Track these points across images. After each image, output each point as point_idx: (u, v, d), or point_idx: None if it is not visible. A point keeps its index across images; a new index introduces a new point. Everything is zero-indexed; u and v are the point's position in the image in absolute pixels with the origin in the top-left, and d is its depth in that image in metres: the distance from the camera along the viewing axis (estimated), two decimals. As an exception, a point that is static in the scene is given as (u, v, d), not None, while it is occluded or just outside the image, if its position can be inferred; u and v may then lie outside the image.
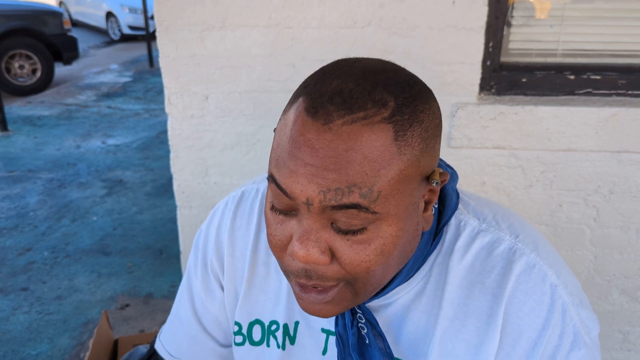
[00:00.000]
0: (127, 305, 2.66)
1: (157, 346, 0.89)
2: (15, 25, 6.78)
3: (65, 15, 7.46)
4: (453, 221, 0.68)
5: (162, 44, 1.68)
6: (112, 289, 2.81)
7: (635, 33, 1.69)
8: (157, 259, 3.11)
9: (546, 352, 0.62)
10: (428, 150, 0.56)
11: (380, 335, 0.66)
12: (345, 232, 0.55)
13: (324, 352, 0.74)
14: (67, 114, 6.25)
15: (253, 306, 0.78)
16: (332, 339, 0.73)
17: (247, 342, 0.79)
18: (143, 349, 1.81)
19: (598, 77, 1.66)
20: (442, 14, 1.57)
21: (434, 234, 0.67)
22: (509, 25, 1.67)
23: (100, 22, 12.88)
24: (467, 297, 0.65)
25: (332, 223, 0.55)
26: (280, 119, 0.58)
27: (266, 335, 0.77)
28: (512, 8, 1.65)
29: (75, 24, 13.73)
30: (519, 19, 1.68)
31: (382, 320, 0.69)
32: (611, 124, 1.60)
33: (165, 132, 5.47)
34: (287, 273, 0.61)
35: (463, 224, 0.68)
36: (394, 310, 0.69)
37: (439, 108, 0.60)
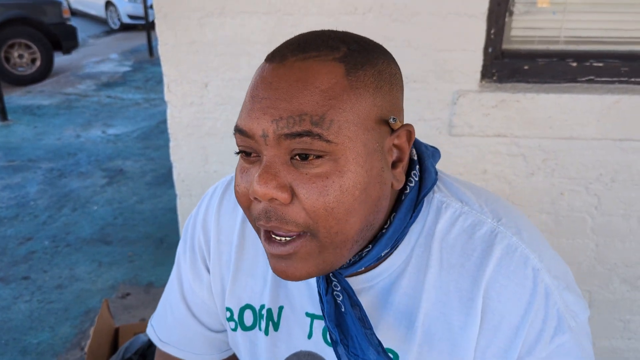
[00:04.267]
0: (128, 294, 2.67)
1: (149, 331, 0.89)
2: (14, 15, 6.75)
3: (65, 5, 7.41)
4: (435, 202, 0.67)
5: (161, 31, 1.67)
6: (113, 277, 2.81)
7: (639, 20, 1.67)
8: (157, 248, 3.11)
9: (529, 337, 0.61)
10: (382, 91, 0.58)
11: (357, 304, 0.65)
12: (304, 166, 0.55)
13: (309, 336, 0.73)
14: (67, 104, 6.23)
15: (243, 291, 0.78)
16: (317, 323, 0.72)
17: (239, 328, 0.79)
18: (144, 337, 1.82)
19: (600, 65, 1.65)
20: (444, 0, 1.55)
21: (414, 205, 0.65)
22: (511, 12, 1.65)
23: (100, 11, 12.80)
24: (448, 279, 0.64)
25: (291, 159, 0.56)
26: None
27: (257, 319, 0.77)
28: (514, -6, 1.64)
29: (75, 13, 13.65)
30: (521, 6, 1.66)
31: (364, 303, 0.68)
32: (613, 112, 1.59)
33: (165, 121, 5.44)
34: (253, 222, 0.61)
35: (445, 205, 0.67)
36: (376, 293, 0.68)
37: (397, 66, 0.63)
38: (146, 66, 8.41)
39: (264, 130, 0.55)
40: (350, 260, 0.64)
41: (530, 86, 1.65)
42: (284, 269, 0.60)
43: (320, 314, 0.71)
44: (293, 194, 0.55)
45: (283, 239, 0.58)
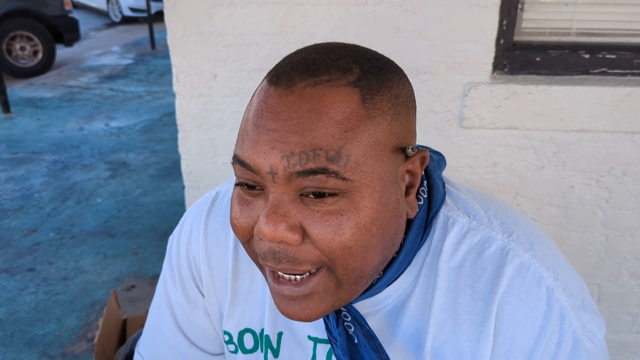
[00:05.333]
0: (133, 287, 2.67)
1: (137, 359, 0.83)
2: (16, 7, 6.72)
3: (66, -3, 7.39)
4: (441, 217, 0.63)
5: (170, 21, 1.65)
6: (118, 270, 2.81)
7: (652, 11, 1.66)
8: (162, 241, 3.11)
9: None
10: (400, 117, 0.54)
11: (371, 334, 0.61)
12: (315, 203, 0.50)
13: (313, 359, 0.69)
14: (69, 96, 6.22)
15: (242, 315, 0.73)
16: (321, 347, 0.68)
17: (239, 351, 0.74)
18: (151, 329, 1.81)
19: (613, 57, 1.63)
20: (456, -10, 1.54)
21: (424, 227, 0.62)
22: (523, 3, 1.63)
23: (101, 4, 12.76)
24: (456, 302, 0.60)
25: (301, 195, 0.51)
26: (248, 106, 0.56)
27: (259, 342, 0.73)
28: (526, -14, 1.62)
29: (76, 5, 13.61)
30: (532, -4, 1.65)
31: (371, 327, 0.64)
32: (626, 104, 1.58)
33: (168, 114, 5.44)
34: (257, 259, 0.56)
35: (451, 221, 0.62)
36: (382, 317, 0.64)
37: (410, 84, 0.58)
38: (148, 59, 8.39)
39: (272, 167, 0.49)
40: None
41: (542, 78, 1.64)
42: (298, 311, 0.55)
43: (324, 337, 0.68)
44: (304, 234, 0.51)
45: (297, 277, 0.54)
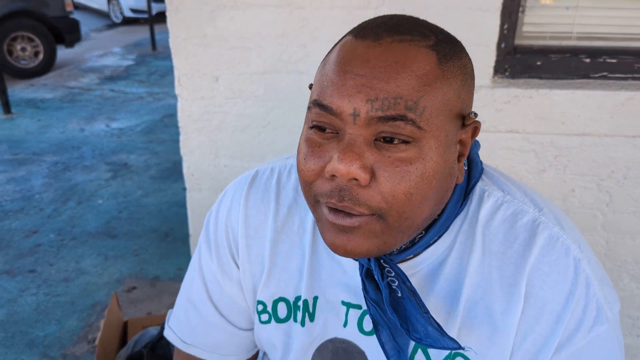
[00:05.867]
0: (134, 288, 2.67)
1: (167, 334, 0.86)
2: (17, 7, 6.73)
3: (67, -2, 7.40)
4: (477, 191, 0.68)
5: (172, 24, 1.66)
6: (119, 271, 2.81)
7: (653, 16, 1.66)
8: (163, 242, 3.11)
9: (569, 325, 0.62)
10: (466, 86, 0.59)
11: (413, 290, 0.64)
12: (388, 149, 0.54)
13: (345, 324, 0.73)
14: (70, 97, 6.22)
15: (277, 285, 0.76)
16: (353, 312, 0.72)
17: (273, 320, 0.77)
18: (153, 330, 1.82)
19: (614, 61, 1.64)
20: (458, -6, 1.54)
21: (463, 196, 0.67)
22: (524, 7, 1.64)
23: (102, 5, 12.78)
24: (490, 266, 0.65)
25: (375, 139, 0.55)
26: (321, 63, 0.61)
27: (292, 310, 0.76)
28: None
29: (77, 6, 13.62)
30: (534, 1, 1.65)
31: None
32: (627, 108, 1.59)
33: (169, 115, 5.45)
34: (317, 199, 0.60)
35: (487, 194, 0.68)
36: (418, 280, 0.69)
37: (472, 61, 0.63)
38: (149, 60, 8.40)
39: (355, 109, 0.53)
40: (401, 246, 0.65)
41: (542, 82, 1.65)
42: (344, 242, 0.58)
43: (356, 302, 0.71)
44: (372, 176, 0.55)
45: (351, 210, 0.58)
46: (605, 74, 1.65)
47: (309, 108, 0.59)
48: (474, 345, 0.66)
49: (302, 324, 0.75)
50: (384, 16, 0.60)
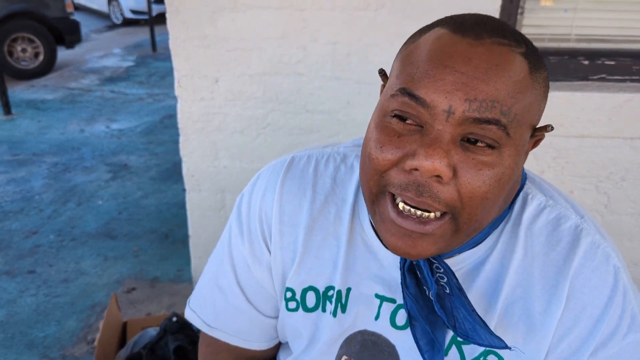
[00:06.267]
0: (133, 289, 2.67)
1: (190, 316, 0.85)
2: (17, 9, 6.73)
3: (68, -1, 7.40)
4: (521, 194, 0.70)
5: (173, 25, 1.67)
6: (119, 272, 2.81)
7: (651, 18, 1.67)
8: (162, 243, 3.11)
9: (606, 331, 0.63)
10: (545, 98, 0.60)
11: (460, 288, 0.64)
12: (473, 150, 0.54)
13: (377, 317, 0.73)
14: (71, 98, 6.23)
15: (308, 273, 0.75)
16: (386, 305, 0.72)
17: (300, 309, 0.77)
18: (152, 331, 1.82)
19: (612, 63, 1.65)
20: (457, -4, 1.55)
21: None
22: (522, 9, 1.65)
23: (103, 6, 12.78)
24: (531, 266, 0.66)
25: (461, 139, 0.55)
26: (403, 51, 0.60)
27: (321, 300, 0.76)
28: None
29: (78, 7, 13.63)
30: (532, 3, 1.66)
31: None
32: (625, 110, 1.59)
33: (169, 117, 5.45)
34: (385, 189, 0.59)
35: (530, 197, 0.69)
36: (459, 277, 0.69)
37: None
38: (149, 61, 8.40)
39: (451, 106, 0.53)
40: None
41: (541, 84, 1.65)
42: (410, 246, 0.58)
43: (390, 296, 0.71)
44: (454, 174, 0.55)
45: (424, 214, 0.57)
46: (603, 75, 1.65)
47: (391, 95, 0.57)
48: (509, 344, 0.66)
49: (334, 314, 0.74)
50: (472, 14, 0.59)
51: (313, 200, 0.75)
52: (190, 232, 2.00)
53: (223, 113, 1.76)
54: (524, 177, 0.69)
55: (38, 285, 2.69)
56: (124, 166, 4.25)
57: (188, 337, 1.70)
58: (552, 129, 0.59)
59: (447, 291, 0.64)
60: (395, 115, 0.57)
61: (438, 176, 0.54)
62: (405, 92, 0.55)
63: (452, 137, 0.54)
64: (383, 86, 0.66)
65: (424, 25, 1.69)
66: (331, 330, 0.74)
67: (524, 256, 0.66)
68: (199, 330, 1.84)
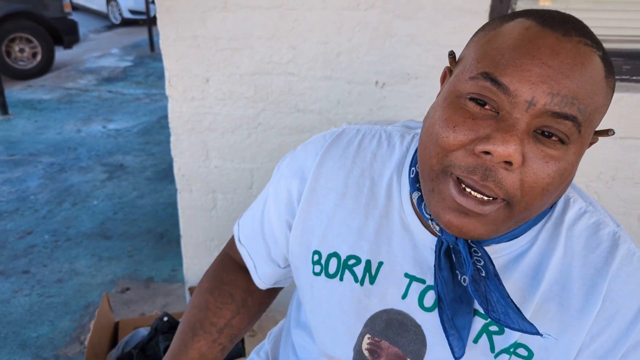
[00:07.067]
0: (127, 289, 2.67)
1: (235, 227, 0.97)
2: (15, 9, 6.72)
3: (66, -1, 7.40)
4: (563, 196, 0.71)
5: (163, 25, 1.67)
6: (113, 272, 2.81)
7: (642, 18, 1.67)
8: (157, 243, 3.11)
9: (638, 334, 0.65)
10: (609, 104, 0.61)
11: (495, 273, 0.66)
12: (544, 142, 0.56)
13: (404, 296, 0.73)
14: (68, 98, 6.23)
15: (335, 239, 0.78)
16: (415, 285, 0.73)
17: (323, 273, 0.79)
18: (143, 331, 1.82)
19: (603, 62, 1.65)
20: (447, -4, 1.55)
21: None
22: (512, 9, 1.65)
23: (101, 6, 12.78)
24: (570, 265, 0.68)
25: (534, 131, 0.56)
26: (482, 35, 0.61)
27: (341, 268, 0.77)
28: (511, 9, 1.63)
29: (76, 7, 13.63)
30: (522, 3, 1.66)
31: None
32: (615, 110, 1.59)
33: (166, 117, 5.45)
34: (447, 170, 0.60)
35: (572, 200, 0.71)
36: (496, 266, 0.70)
37: None
38: (147, 61, 8.41)
39: (534, 97, 0.54)
40: None
41: (532, 83, 1.65)
42: (463, 225, 0.60)
43: (421, 277, 0.73)
44: (522, 163, 0.56)
45: (483, 197, 0.58)
46: (594, 75, 1.65)
47: (471, 78, 0.58)
48: (541, 340, 0.68)
49: (362, 283, 0.76)
50: (556, 11, 0.60)
51: (350, 170, 0.78)
52: (182, 232, 2.00)
53: (214, 113, 1.76)
54: None
55: (32, 285, 2.69)
56: (120, 166, 4.25)
57: (179, 337, 1.70)
58: (614, 133, 0.61)
59: (483, 274, 0.65)
60: (472, 99, 0.58)
61: (507, 162, 0.55)
62: (488, 76, 0.56)
63: (528, 127, 0.55)
64: (449, 70, 0.68)
65: (413, 25, 1.69)
66: (357, 299, 0.76)
67: (564, 255, 0.68)
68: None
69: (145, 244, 3.11)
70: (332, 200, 0.78)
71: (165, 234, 3.21)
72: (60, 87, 6.72)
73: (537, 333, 0.63)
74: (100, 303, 2.52)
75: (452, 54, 0.68)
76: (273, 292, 1.01)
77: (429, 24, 1.58)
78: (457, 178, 0.60)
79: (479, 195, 0.58)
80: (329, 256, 0.78)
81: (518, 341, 0.68)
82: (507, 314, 0.63)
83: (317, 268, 0.79)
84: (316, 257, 0.79)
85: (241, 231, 0.95)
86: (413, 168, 0.73)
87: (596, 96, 0.56)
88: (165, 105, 5.93)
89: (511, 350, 0.68)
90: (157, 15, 1.66)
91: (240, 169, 1.84)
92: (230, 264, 0.98)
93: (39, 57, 7.11)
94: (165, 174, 4.07)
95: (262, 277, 0.93)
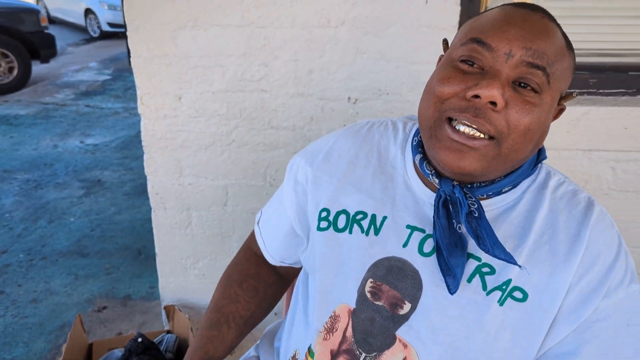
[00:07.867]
0: (104, 308, 2.63)
1: (257, 215, 1.12)
2: (-10, 23, 6.64)
3: (43, 13, 7.31)
4: (545, 168, 0.87)
5: (133, 43, 1.66)
6: (89, 291, 2.77)
7: (607, 32, 1.70)
8: (135, 260, 3.08)
9: (616, 277, 0.76)
10: (571, 77, 0.78)
11: (486, 219, 0.78)
12: (521, 91, 0.71)
13: (405, 245, 0.84)
14: (45, 113, 6.15)
15: (345, 198, 0.90)
16: (416, 234, 0.84)
17: (331, 228, 0.90)
18: (118, 353, 1.79)
19: (570, 76, 1.67)
20: (416, 13, 1.57)
21: (534, 164, 0.83)
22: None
23: (79, 19, 12.68)
24: (556, 218, 0.80)
25: (514, 81, 0.72)
26: (471, 21, 0.79)
27: (350, 222, 0.89)
28: (486, 8, 1.66)
29: (54, 21, 13.51)
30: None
31: None
32: (582, 123, 1.62)
33: (144, 130, 5.40)
34: (444, 115, 0.74)
35: (553, 172, 0.86)
36: (488, 217, 0.82)
37: None
38: (126, 75, 8.34)
39: (511, 50, 0.71)
40: (486, 181, 0.79)
41: (501, 98, 1.67)
42: (458, 158, 0.73)
43: (421, 227, 0.84)
44: (505, 106, 0.70)
45: (476, 133, 0.72)
46: (561, 89, 1.68)
47: (462, 44, 0.75)
48: (534, 282, 0.77)
49: (367, 234, 0.87)
50: (528, 3, 0.78)
51: (361, 146, 0.95)
52: (157, 250, 1.98)
53: (187, 130, 1.75)
54: (545, 153, 0.85)
55: (6, 306, 2.63)
56: (98, 182, 4.20)
57: (153, 357, 1.68)
58: (577, 94, 0.72)
59: (476, 215, 0.77)
60: (462, 60, 0.75)
61: (493, 103, 0.70)
62: (475, 40, 0.74)
63: (508, 78, 0.71)
64: (442, 56, 0.84)
65: (383, 42, 1.70)
66: (361, 247, 0.86)
67: (549, 210, 0.81)
68: (165, 351, 1.82)
69: (122, 260, 3.07)
70: (343, 168, 0.93)
71: (143, 250, 3.17)
72: (37, 102, 6.63)
73: (516, 263, 0.76)
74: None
75: (445, 41, 0.86)
76: (286, 283, 1.15)
77: (398, 40, 1.60)
78: (450, 119, 0.74)
79: (470, 131, 0.71)
80: (338, 213, 0.90)
81: (514, 285, 0.78)
82: (494, 246, 0.75)
83: (324, 224, 0.91)
84: (324, 214, 0.91)
85: (262, 216, 1.10)
86: (416, 137, 0.89)
87: (560, 57, 0.72)
88: (144, 118, 5.89)
89: (504, 287, 0.78)
90: (128, 34, 1.65)
91: (215, 186, 1.83)
92: (253, 257, 1.12)
93: (15, 72, 7.02)
94: (143, 188, 4.03)
95: (271, 252, 1.07)
